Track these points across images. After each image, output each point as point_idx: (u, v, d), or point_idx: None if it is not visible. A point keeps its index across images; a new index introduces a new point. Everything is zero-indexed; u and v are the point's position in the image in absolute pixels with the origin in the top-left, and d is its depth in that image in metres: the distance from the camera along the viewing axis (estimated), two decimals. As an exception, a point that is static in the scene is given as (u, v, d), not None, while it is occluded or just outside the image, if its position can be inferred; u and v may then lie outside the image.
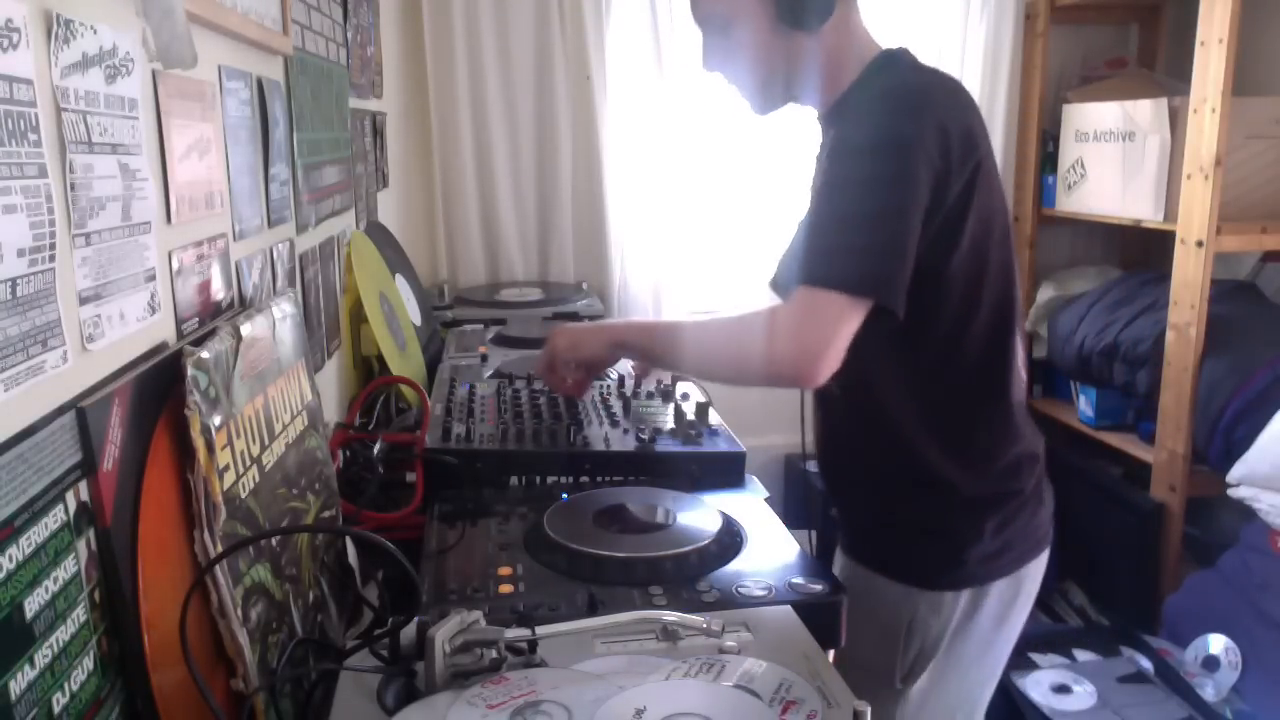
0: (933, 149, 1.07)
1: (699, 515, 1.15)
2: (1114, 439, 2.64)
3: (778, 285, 1.33)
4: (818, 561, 1.08)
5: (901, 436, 1.20)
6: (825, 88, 1.23)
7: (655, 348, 1.25)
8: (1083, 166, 2.79)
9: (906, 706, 1.27)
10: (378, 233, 2.07)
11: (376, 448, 1.41)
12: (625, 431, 1.39)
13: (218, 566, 0.77)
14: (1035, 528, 1.29)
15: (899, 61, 1.21)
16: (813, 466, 2.96)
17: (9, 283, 0.60)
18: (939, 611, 1.23)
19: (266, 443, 0.95)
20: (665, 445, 1.35)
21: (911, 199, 1.06)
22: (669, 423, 1.45)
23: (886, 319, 1.07)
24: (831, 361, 1.05)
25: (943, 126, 1.08)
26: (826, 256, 1.07)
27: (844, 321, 1.05)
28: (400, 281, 2.07)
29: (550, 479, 1.31)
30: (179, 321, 0.90)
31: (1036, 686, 2.11)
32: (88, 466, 0.67)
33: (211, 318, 0.99)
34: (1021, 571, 1.27)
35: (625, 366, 1.81)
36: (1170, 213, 2.48)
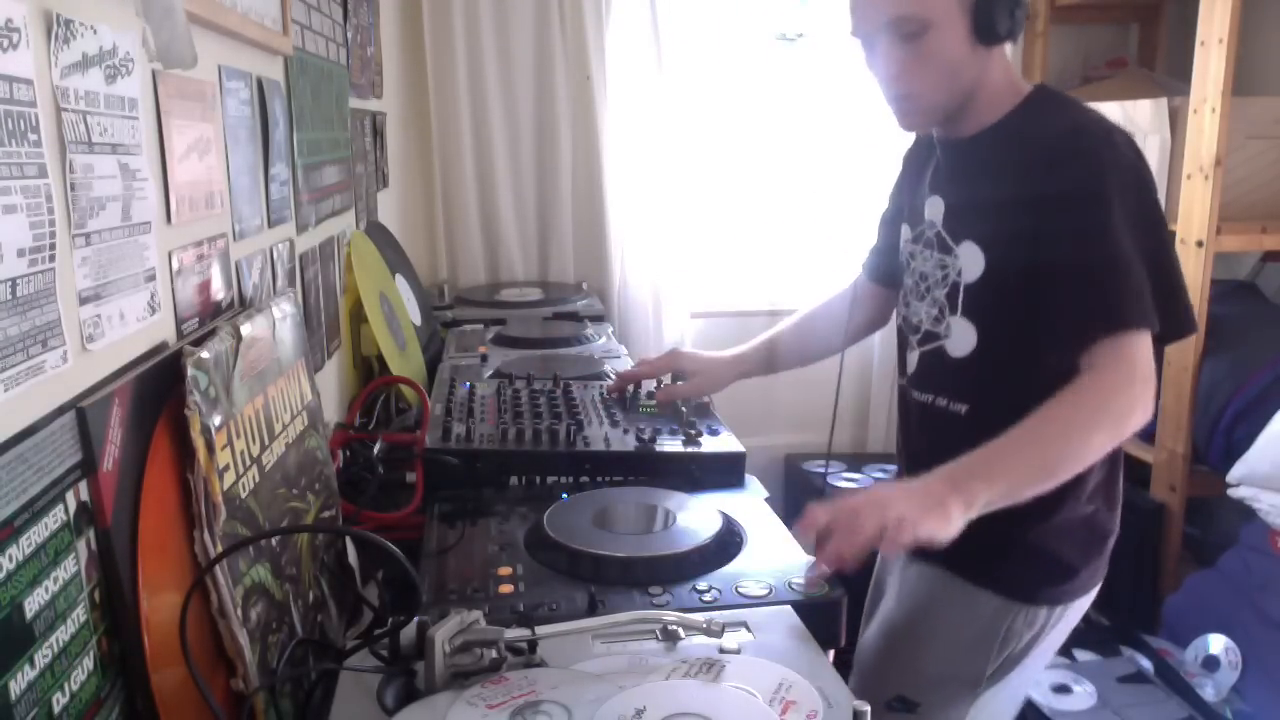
0: (1147, 176, 1.14)
1: (699, 515, 1.15)
2: (1114, 439, 2.64)
3: (871, 275, 1.50)
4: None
5: None
6: (979, 113, 1.21)
7: (1018, 484, 1.06)
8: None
9: (975, 702, 1.27)
10: (378, 233, 2.07)
11: (376, 448, 1.41)
12: (625, 431, 1.39)
13: (218, 566, 0.77)
14: (1112, 541, 1.31)
15: (1068, 97, 1.23)
16: (813, 466, 2.97)
17: (9, 283, 0.60)
18: (1033, 624, 1.25)
19: (266, 443, 0.95)
20: (665, 445, 1.35)
21: (1164, 224, 1.14)
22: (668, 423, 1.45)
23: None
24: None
25: (1143, 157, 1.15)
26: (1127, 301, 1.09)
27: (1152, 356, 1.09)
28: (400, 281, 2.07)
29: (550, 479, 1.30)
30: (179, 321, 0.90)
31: (1036, 686, 2.10)
32: (88, 466, 0.67)
33: (211, 318, 0.99)
34: (1099, 584, 1.30)
35: (625, 368, 1.81)
36: (1170, 213, 2.47)
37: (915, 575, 1.32)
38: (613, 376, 1.68)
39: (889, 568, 1.44)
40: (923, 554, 1.31)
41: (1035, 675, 1.34)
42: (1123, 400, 1.07)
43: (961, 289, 1.22)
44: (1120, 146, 1.12)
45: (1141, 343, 1.08)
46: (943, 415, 1.26)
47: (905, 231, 1.35)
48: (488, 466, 1.30)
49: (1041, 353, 1.13)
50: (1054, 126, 1.16)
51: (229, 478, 0.84)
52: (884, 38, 1.17)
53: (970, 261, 1.20)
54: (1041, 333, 1.12)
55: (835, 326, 1.53)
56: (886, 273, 1.47)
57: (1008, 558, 1.24)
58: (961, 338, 1.23)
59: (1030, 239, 1.13)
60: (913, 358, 1.32)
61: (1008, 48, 1.21)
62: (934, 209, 1.27)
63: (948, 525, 1.00)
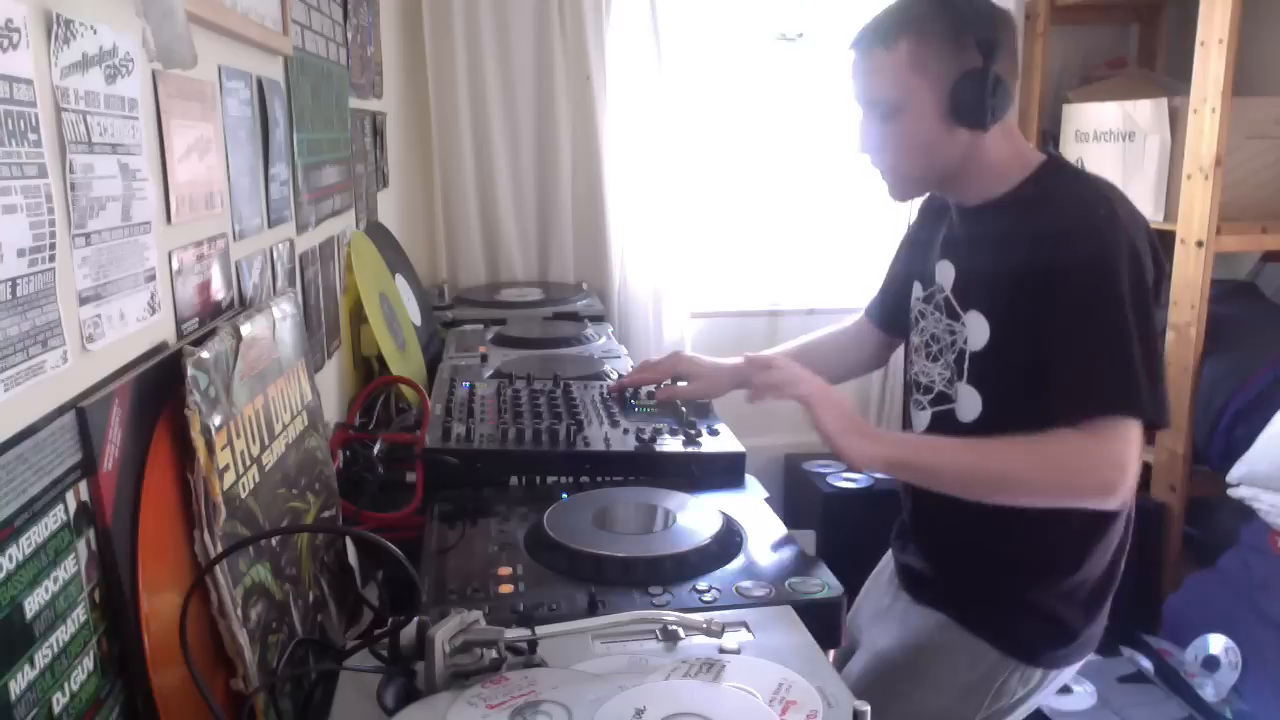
0: (1149, 262, 1.13)
1: (699, 515, 1.15)
2: (1114, 439, 2.63)
3: (875, 320, 1.54)
4: (818, 561, 1.08)
5: (1031, 513, 1.17)
6: (979, 185, 1.23)
7: (933, 475, 1.17)
8: (1083, 166, 2.79)
9: None
10: (378, 233, 2.07)
11: (376, 448, 1.41)
12: (625, 431, 1.39)
13: (218, 566, 0.77)
14: (1109, 604, 1.31)
15: (1076, 171, 1.23)
16: (813, 466, 2.97)
17: (9, 283, 0.60)
18: (1027, 683, 1.26)
19: (266, 443, 0.95)
20: (665, 445, 1.35)
21: (1155, 317, 1.13)
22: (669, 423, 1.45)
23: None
24: (1133, 484, 1.11)
25: (1151, 241, 1.14)
26: (1124, 386, 1.09)
27: (1136, 444, 1.09)
28: (400, 281, 2.07)
29: (550, 479, 1.30)
30: (179, 321, 0.90)
31: (1036, 686, 2.11)
32: (88, 466, 0.67)
33: (211, 318, 0.99)
34: (1091, 651, 1.31)
35: (624, 368, 1.81)
36: (1170, 213, 2.48)
37: (919, 617, 1.32)
38: (613, 376, 1.68)
39: (870, 611, 1.44)
40: (927, 598, 1.34)
41: None
42: (1078, 463, 1.09)
43: (968, 356, 1.23)
44: (1124, 226, 1.12)
45: (1125, 428, 1.08)
46: None
47: (917, 289, 1.37)
48: (488, 466, 1.30)
49: (1045, 424, 1.12)
50: (1061, 203, 1.16)
51: (229, 478, 0.84)
52: (865, 113, 1.23)
53: (976, 330, 1.22)
54: (1045, 407, 1.12)
55: (836, 363, 1.58)
56: (889, 318, 1.51)
57: (1013, 615, 1.25)
58: (968, 404, 1.24)
59: (1034, 316, 1.14)
60: (922, 418, 1.34)
61: (1013, 116, 1.23)
62: (944, 274, 1.29)
63: (843, 447, 1.16)
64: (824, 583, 1.02)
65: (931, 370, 1.32)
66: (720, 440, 1.39)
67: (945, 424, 1.28)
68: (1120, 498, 1.09)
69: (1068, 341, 1.11)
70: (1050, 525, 1.18)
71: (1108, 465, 1.08)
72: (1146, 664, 2.21)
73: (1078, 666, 1.32)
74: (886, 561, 1.49)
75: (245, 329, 0.93)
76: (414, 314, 2.08)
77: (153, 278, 0.83)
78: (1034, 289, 1.13)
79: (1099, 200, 1.15)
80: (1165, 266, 1.18)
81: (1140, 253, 1.12)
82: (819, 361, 1.56)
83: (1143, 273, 1.12)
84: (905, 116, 1.18)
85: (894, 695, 1.28)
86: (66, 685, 0.63)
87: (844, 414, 1.19)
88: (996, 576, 1.27)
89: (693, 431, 1.40)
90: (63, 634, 0.63)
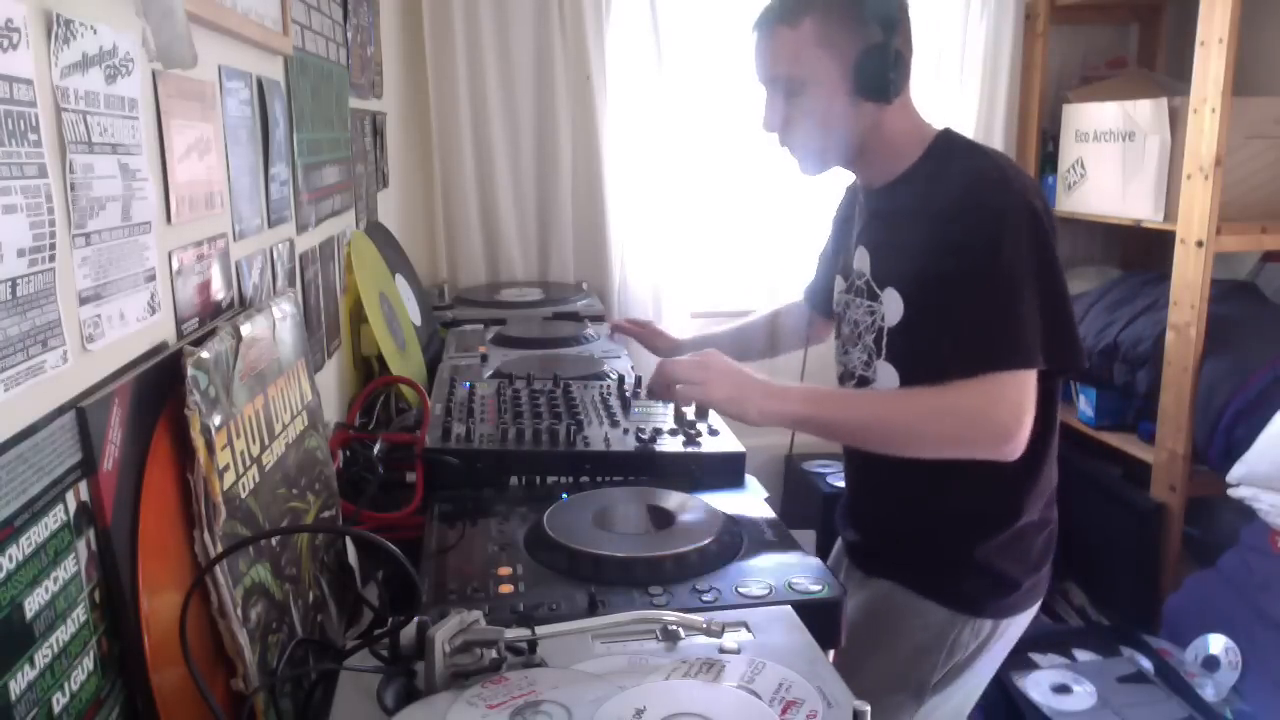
0: (1044, 220, 1.16)
1: (699, 515, 1.15)
2: (1114, 439, 2.64)
3: (813, 302, 1.63)
4: (818, 561, 1.08)
5: (963, 473, 1.20)
6: (882, 163, 1.27)
7: (839, 423, 1.21)
8: (1083, 166, 2.79)
9: (920, 710, 1.32)
10: (378, 233, 2.07)
11: (376, 448, 1.41)
12: (625, 431, 1.39)
13: (218, 566, 0.77)
14: (1049, 564, 1.36)
15: (968, 143, 1.27)
16: (813, 466, 2.97)
17: (9, 283, 0.60)
18: (979, 635, 1.30)
19: (266, 443, 0.95)
20: (665, 445, 1.35)
21: (1058, 268, 1.17)
22: (669, 423, 1.45)
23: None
24: (1029, 431, 1.14)
25: (1043, 199, 1.18)
26: (1011, 341, 1.13)
27: (1031, 393, 1.13)
28: (400, 281, 2.07)
29: (550, 479, 1.30)
30: (179, 321, 0.90)
31: (1036, 686, 2.11)
32: (88, 466, 0.67)
33: (211, 318, 0.99)
34: (1038, 601, 1.35)
35: (624, 366, 1.81)
36: (1170, 213, 2.48)
37: (871, 589, 1.36)
38: (613, 376, 1.69)
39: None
40: (876, 569, 1.38)
41: (979, 688, 1.39)
42: (974, 411, 1.13)
43: (885, 333, 1.28)
44: (1014, 192, 1.16)
45: (1016, 378, 1.12)
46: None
47: (839, 283, 1.41)
48: (488, 466, 1.30)
49: None
50: (953, 175, 1.21)
51: (229, 478, 0.84)
52: (769, 91, 1.27)
53: (892, 307, 1.27)
54: (945, 370, 1.15)
55: (771, 340, 1.76)
56: (823, 302, 1.59)
57: (955, 573, 1.30)
58: (886, 380, 1.29)
59: (935, 286, 1.19)
60: None
61: (920, 95, 1.28)
62: (861, 260, 1.34)
63: (740, 413, 1.19)
64: (824, 583, 1.02)
65: (854, 356, 1.36)
66: (720, 440, 1.39)
67: None
68: (1015, 444, 1.13)
69: (963, 305, 1.15)
70: (980, 482, 1.22)
71: (1003, 413, 1.12)
72: (1146, 664, 2.21)
73: (1030, 613, 1.35)
74: (838, 544, 1.53)
75: (245, 329, 0.93)
76: (414, 314, 2.08)
77: (153, 278, 0.83)
78: (935, 262, 1.18)
79: (989, 167, 1.19)
80: (1053, 222, 1.20)
81: (1036, 210, 1.16)
82: (755, 341, 1.78)
83: (1039, 227, 1.15)
84: (810, 92, 1.22)
85: (854, 667, 1.30)
86: (66, 685, 0.63)
87: (736, 381, 1.21)
88: (937, 539, 1.30)
89: (693, 431, 1.40)
90: (63, 634, 0.63)
